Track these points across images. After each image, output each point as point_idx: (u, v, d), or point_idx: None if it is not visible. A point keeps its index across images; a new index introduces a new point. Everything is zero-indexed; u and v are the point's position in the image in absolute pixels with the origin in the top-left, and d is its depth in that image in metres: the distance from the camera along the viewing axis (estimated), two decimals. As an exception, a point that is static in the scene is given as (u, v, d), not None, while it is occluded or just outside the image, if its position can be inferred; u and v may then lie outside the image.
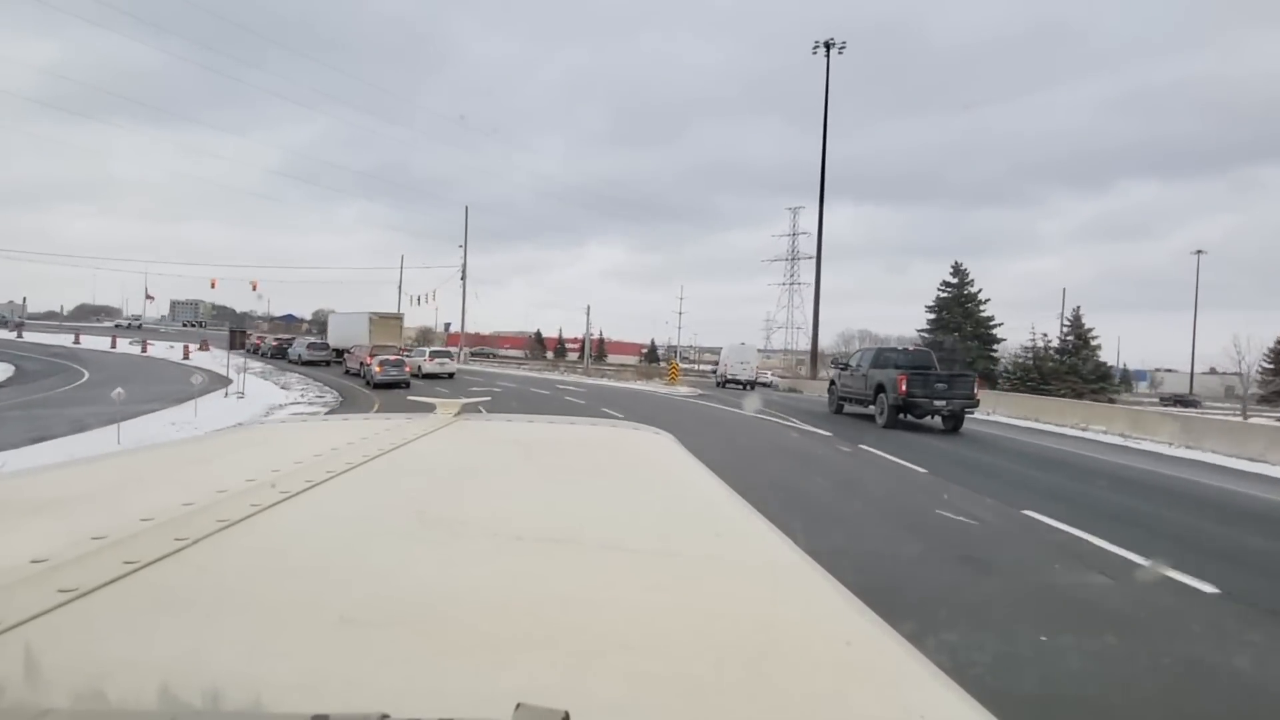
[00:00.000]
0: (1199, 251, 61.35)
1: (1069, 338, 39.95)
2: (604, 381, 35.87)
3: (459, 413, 2.39)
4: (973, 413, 17.66)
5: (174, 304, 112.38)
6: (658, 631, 0.76)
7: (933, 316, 43.93)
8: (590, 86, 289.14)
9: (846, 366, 20.24)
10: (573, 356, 79.10)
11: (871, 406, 17.89)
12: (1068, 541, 6.81)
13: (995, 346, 42.94)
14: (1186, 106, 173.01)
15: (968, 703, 0.66)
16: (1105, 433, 19.07)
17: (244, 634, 0.68)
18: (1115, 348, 66.82)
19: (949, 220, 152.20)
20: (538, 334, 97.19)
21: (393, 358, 26.76)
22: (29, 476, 1.43)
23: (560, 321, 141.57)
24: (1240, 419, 26.44)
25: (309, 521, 1.09)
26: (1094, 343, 39.63)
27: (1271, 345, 45.35)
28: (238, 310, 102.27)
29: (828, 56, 35.11)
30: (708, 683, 0.65)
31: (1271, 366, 45.37)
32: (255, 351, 45.98)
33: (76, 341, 46.05)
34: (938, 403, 16.65)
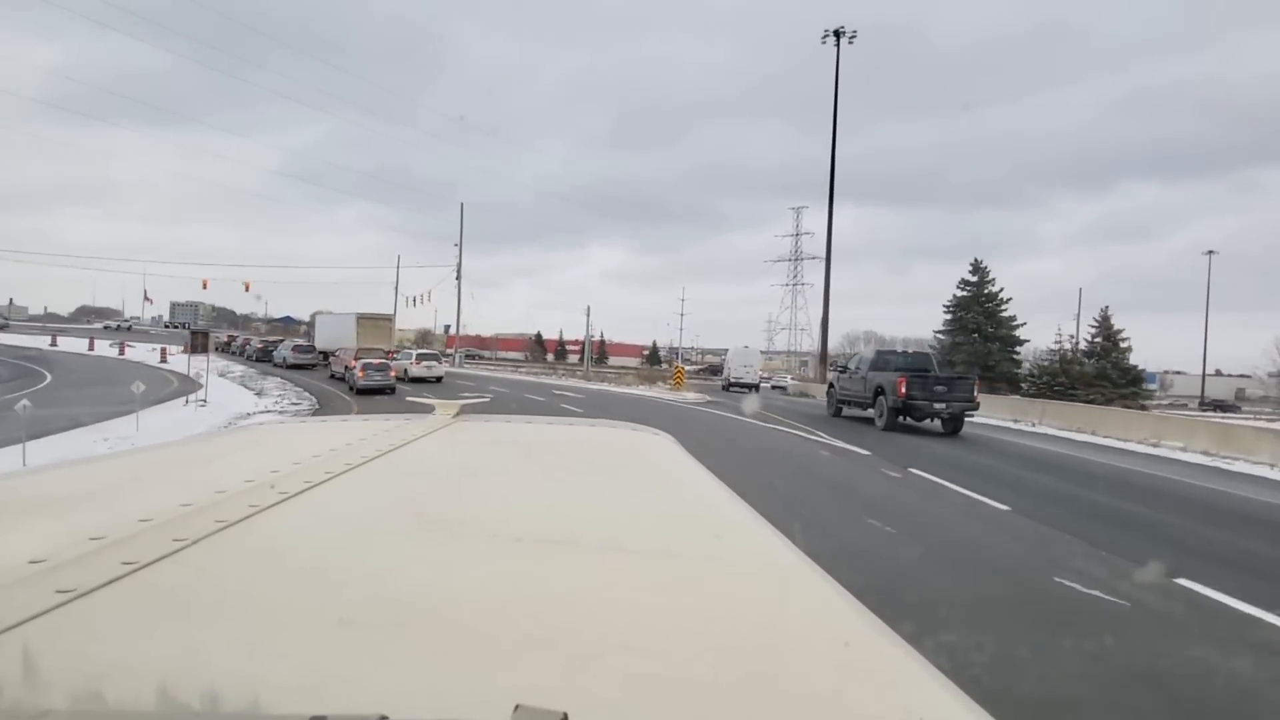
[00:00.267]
0: (1210, 252, 59.94)
1: (1097, 339, 37.80)
2: (604, 386, 34.84)
3: (458, 414, 2.38)
4: (972, 416, 17.63)
5: (173, 306, 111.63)
6: (657, 632, 0.76)
7: (949, 316, 41.66)
8: (591, 88, 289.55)
9: (845, 369, 20.36)
10: (573, 358, 77.75)
11: (871, 409, 18.00)
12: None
13: (1018, 349, 40.62)
14: (1187, 108, 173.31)
15: (966, 704, 0.67)
16: (1184, 450, 16.50)
17: (242, 635, 0.69)
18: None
19: (950, 222, 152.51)
20: (538, 336, 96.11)
21: (376, 361, 25.07)
22: (27, 477, 1.48)
23: (561, 323, 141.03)
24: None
25: (308, 523, 1.10)
26: (1123, 344, 37.43)
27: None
28: (238, 312, 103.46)
29: (838, 45, 33.90)
30: (707, 683, 0.66)
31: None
32: (241, 354, 44.35)
33: (53, 344, 44.70)
34: (937, 405, 16.62)
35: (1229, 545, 7.58)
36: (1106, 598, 5.43)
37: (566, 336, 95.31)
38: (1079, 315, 51.46)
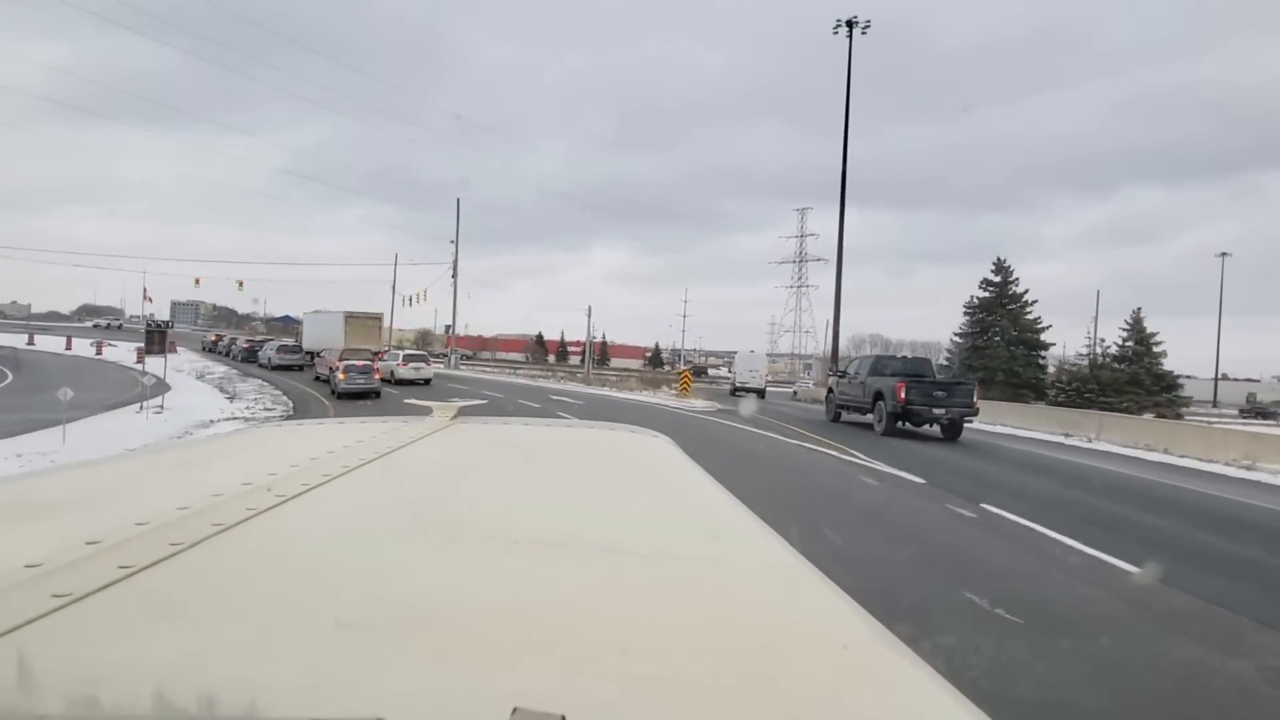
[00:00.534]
0: (1224, 254, 59.43)
1: (1128, 343, 35.78)
2: (606, 391, 34.02)
3: (456, 416, 2.37)
4: (971, 421, 17.65)
5: (174, 305, 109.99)
6: (655, 634, 0.77)
7: (969, 318, 39.57)
8: (594, 88, 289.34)
9: (844, 374, 20.45)
10: (574, 360, 76.15)
11: (870, 415, 18.17)
12: None
13: (1043, 354, 38.53)
14: (1189, 111, 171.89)
15: (964, 705, 0.67)
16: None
17: (240, 638, 0.69)
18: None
19: (952, 225, 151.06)
20: (539, 337, 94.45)
21: (360, 363, 23.36)
22: (23, 480, 1.44)
23: (563, 324, 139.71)
24: None
25: (305, 525, 1.10)
26: (1156, 349, 35.37)
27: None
28: (239, 312, 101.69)
29: (850, 36, 31.96)
30: (705, 685, 0.66)
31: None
32: (228, 354, 42.60)
33: (30, 342, 43.06)
34: (936, 410, 16.77)
35: None
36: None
37: (568, 338, 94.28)
38: (1096, 318, 50.02)
